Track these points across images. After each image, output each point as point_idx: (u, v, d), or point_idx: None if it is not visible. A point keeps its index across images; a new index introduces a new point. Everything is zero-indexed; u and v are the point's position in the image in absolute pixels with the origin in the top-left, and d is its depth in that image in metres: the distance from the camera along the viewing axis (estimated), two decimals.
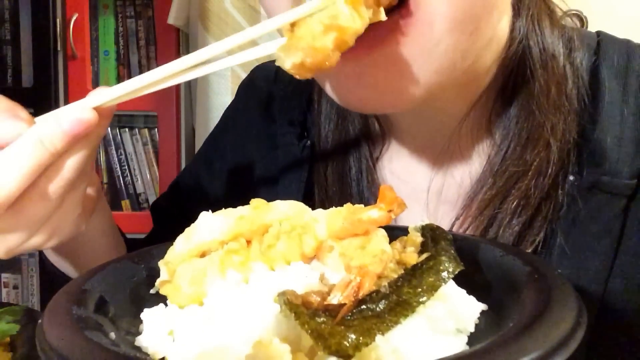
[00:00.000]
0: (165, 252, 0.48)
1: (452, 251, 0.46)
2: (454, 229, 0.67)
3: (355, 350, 0.38)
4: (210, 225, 0.48)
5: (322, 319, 0.40)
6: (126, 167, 2.36)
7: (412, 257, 0.47)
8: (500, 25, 0.62)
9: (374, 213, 0.47)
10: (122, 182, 2.36)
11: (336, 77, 0.57)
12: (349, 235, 0.47)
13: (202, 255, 0.48)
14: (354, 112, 0.73)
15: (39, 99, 2.24)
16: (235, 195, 0.85)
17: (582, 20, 0.75)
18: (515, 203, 0.63)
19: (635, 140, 0.62)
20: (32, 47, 2.26)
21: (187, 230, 0.49)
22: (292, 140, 0.78)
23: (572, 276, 0.61)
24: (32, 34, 2.26)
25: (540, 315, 0.39)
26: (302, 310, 0.40)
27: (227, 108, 0.93)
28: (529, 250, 0.62)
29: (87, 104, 0.53)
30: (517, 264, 0.47)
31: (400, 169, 0.74)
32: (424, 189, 0.71)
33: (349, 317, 0.41)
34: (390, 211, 0.48)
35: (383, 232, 0.48)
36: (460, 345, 0.43)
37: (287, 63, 0.47)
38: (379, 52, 0.53)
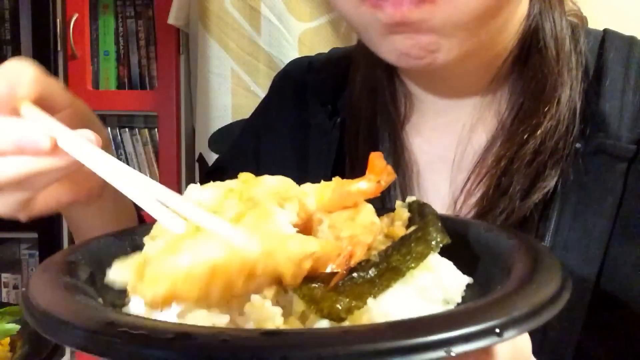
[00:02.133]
0: (149, 231, 0.47)
1: (439, 224, 0.47)
2: (470, 181, 0.72)
3: (348, 313, 0.39)
4: (199, 197, 0.47)
5: (314, 284, 0.40)
6: None
7: (400, 231, 0.47)
8: (520, 5, 0.69)
9: (362, 184, 0.47)
10: None
11: (389, 37, 0.63)
12: (338, 208, 0.47)
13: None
14: (384, 86, 0.79)
15: None
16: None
17: (582, 20, 0.79)
18: (531, 150, 0.68)
19: (634, 113, 0.68)
20: (32, 47, 2.26)
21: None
22: (324, 119, 0.83)
23: (578, 237, 0.65)
24: (32, 34, 2.26)
25: (528, 278, 0.39)
26: None
27: (262, 99, 0.97)
28: (539, 197, 0.67)
29: (54, 134, 0.52)
30: (502, 238, 0.48)
31: (423, 140, 0.78)
32: (447, 159, 0.75)
33: (340, 284, 0.41)
34: (379, 182, 0.47)
35: (371, 206, 0.48)
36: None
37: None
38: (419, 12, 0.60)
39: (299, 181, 0.79)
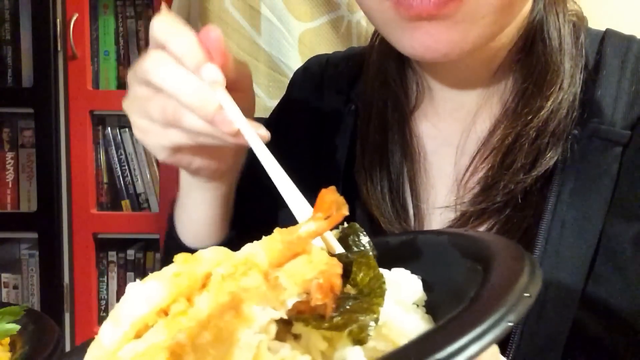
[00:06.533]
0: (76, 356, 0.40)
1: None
2: (475, 160, 0.75)
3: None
4: (144, 295, 0.40)
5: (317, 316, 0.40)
6: (126, 167, 2.36)
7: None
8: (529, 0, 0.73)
9: (311, 226, 0.44)
10: (122, 182, 2.36)
11: (409, 31, 0.67)
12: (291, 257, 0.44)
13: (139, 336, 0.40)
14: (396, 76, 0.83)
15: (39, 99, 2.24)
16: (289, 167, 0.94)
17: (582, 20, 0.81)
18: (534, 129, 0.71)
19: (628, 102, 0.72)
20: (32, 47, 2.25)
21: (112, 313, 0.41)
22: (338, 106, 0.87)
23: (576, 216, 0.68)
24: (32, 34, 2.26)
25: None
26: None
27: (283, 96, 1.00)
28: (540, 172, 0.71)
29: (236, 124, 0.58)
30: (430, 236, 0.49)
31: (431, 126, 0.83)
32: (452, 143, 0.79)
33: (342, 309, 0.40)
34: (328, 217, 0.44)
35: (317, 246, 0.46)
36: (421, 316, 0.44)
37: None
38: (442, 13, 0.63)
39: (312, 170, 0.82)
